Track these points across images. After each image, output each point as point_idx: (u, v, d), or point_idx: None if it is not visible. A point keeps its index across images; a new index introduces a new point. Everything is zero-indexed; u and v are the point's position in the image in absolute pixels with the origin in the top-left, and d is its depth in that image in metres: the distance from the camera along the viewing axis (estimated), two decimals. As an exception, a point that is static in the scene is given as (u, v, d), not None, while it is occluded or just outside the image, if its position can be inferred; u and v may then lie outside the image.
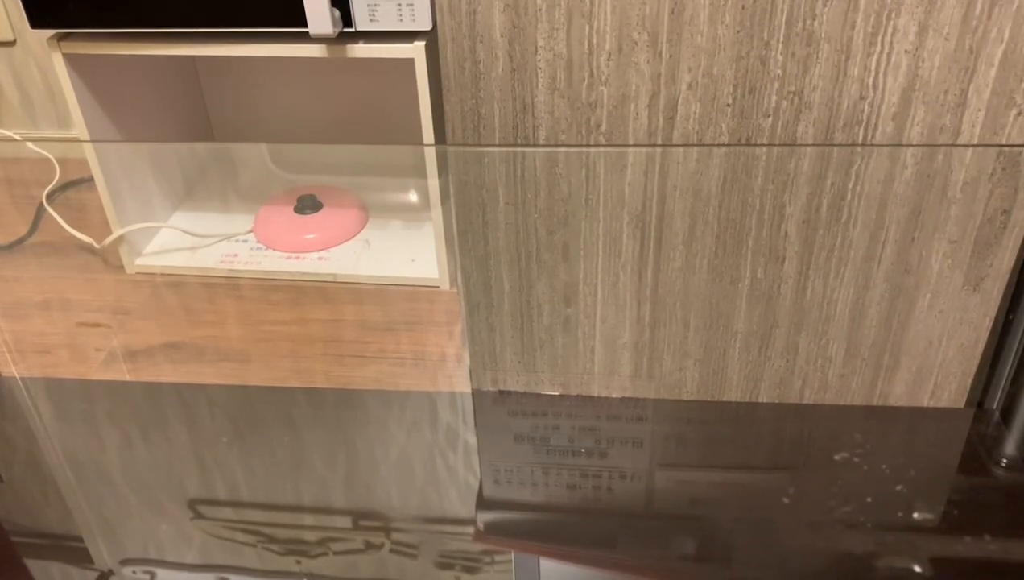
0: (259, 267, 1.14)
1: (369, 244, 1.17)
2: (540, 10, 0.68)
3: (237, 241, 1.19)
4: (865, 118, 0.69)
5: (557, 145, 0.74)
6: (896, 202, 0.72)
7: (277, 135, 1.35)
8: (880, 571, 0.69)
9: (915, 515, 0.73)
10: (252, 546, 0.75)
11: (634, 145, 0.73)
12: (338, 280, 1.13)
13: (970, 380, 0.81)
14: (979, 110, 0.68)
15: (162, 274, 1.15)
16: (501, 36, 0.70)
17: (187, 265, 1.16)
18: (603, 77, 0.70)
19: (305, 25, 0.93)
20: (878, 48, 0.67)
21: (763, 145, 0.72)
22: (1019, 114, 0.68)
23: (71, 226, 1.18)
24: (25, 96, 1.37)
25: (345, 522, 0.77)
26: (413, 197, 1.29)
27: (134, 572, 0.73)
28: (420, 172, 1.23)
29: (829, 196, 0.72)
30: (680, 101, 0.71)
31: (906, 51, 0.66)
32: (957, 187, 0.71)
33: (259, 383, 0.98)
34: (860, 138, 0.70)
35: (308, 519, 0.78)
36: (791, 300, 0.78)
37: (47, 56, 1.27)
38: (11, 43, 1.32)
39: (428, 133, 0.99)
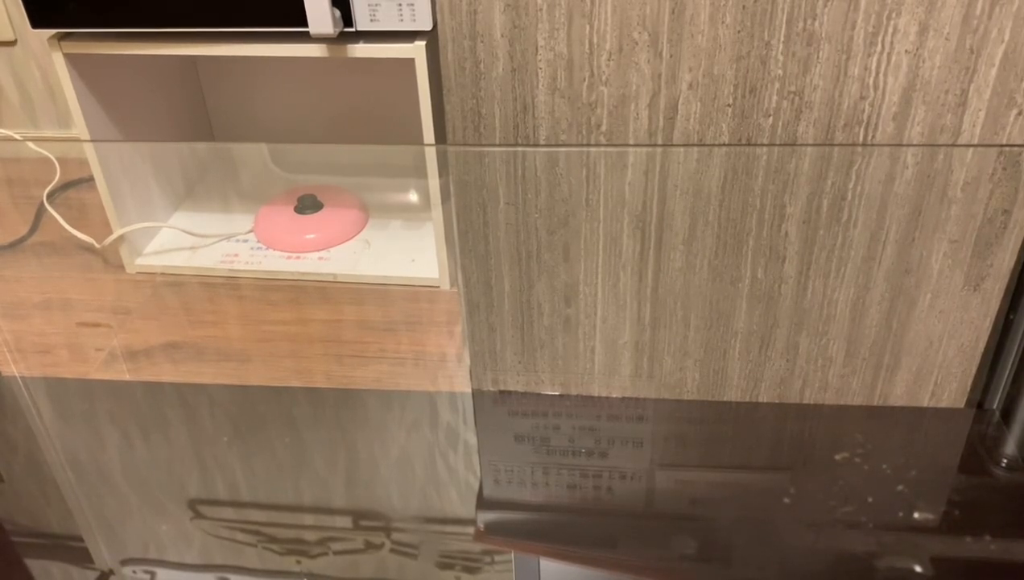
0: (259, 267, 1.14)
1: (369, 244, 1.17)
2: (541, 10, 0.68)
3: (237, 241, 1.19)
4: (866, 118, 0.69)
5: (557, 145, 0.74)
6: (896, 202, 0.72)
7: (277, 135, 1.35)
8: (881, 571, 0.69)
9: (915, 515, 0.73)
10: (252, 546, 0.75)
11: (634, 145, 0.73)
12: (338, 280, 1.13)
13: (970, 380, 0.81)
14: (980, 110, 0.68)
15: (162, 274, 1.15)
16: (502, 36, 0.70)
17: (187, 265, 1.16)
18: (603, 77, 0.70)
19: (305, 25, 0.93)
20: (879, 48, 0.67)
21: (763, 145, 0.72)
22: (1020, 114, 0.68)
23: (71, 226, 1.18)
24: (25, 96, 1.37)
25: (345, 522, 0.77)
26: (413, 197, 1.29)
27: (134, 572, 0.73)
28: (420, 172, 1.23)
29: (829, 196, 0.72)
30: (681, 101, 0.71)
31: (907, 51, 0.66)
32: (957, 187, 0.71)
33: (259, 383, 0.98)
34: (861, 138, 0.70)
35: (308, 519, 0.78)
36: (791, 300, 0.78)
37: (47, 56, 1.27)
38: (11, 43, 1.32)
39: (428, 133, 0.99)
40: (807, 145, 0.71)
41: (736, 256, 0.76)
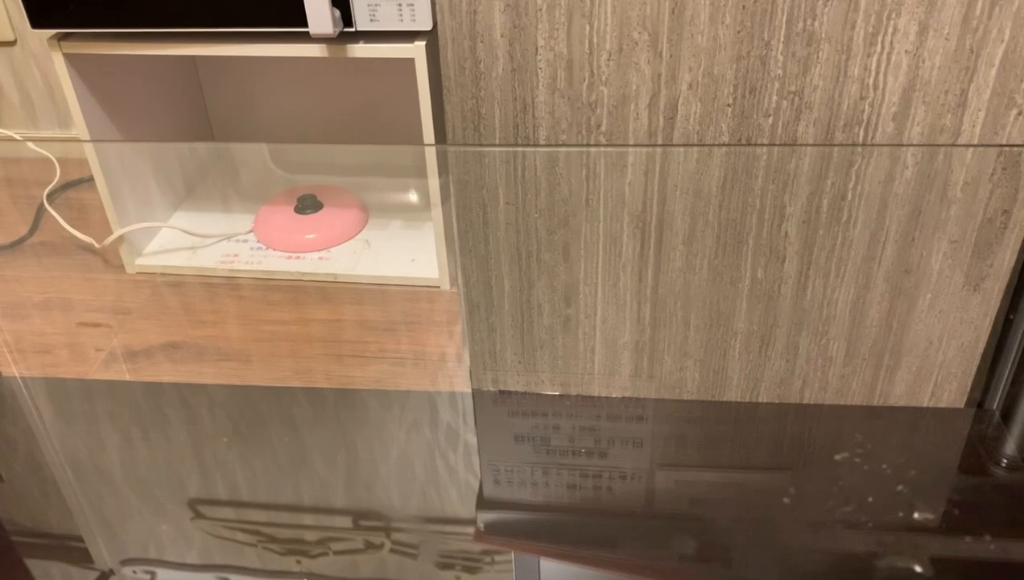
0: (259, 267, 1.14)
1: (369, 244, 1.17)
2: (540, 10, 0.68)
3: (237, 241, 1.19)
4: (865, 118, 0.69)
5: (557, 145, 0.74)
6: (896, 202, 0.72)
7: (277, 135, 1.35)
8: (880, 571, 0.69)
9: (915, 515, 0.73)
10: (252, 546, 0.75)
11: (634, 145, 0.73)
12: (338, 280, 1.13)
13: (970, 380, 0.81)
14: (979, 110, 0.68)
15: (162, 274, 1.15)
16: (501, 36, 0.70)
17: (187, 265, 1.16)
18: (603, 77, 0.70)
19: (305, 25, 0.93)
20: (878, 48, 0.67)
21: (763, 145, 0.72)
22: (1019, 114, 0.68)
23: (71, 226, 1.18)
24: (25, 96, 1.37)
25: (345, 522, 0.77)
26: (413, 197, 1.29)
27: (134, 572, 0.73)
28: (420, 172, 1.23)
29: (829, 196, 0.72)
30: (680, 101, 0.71)
31: (906, 51, 0.66)
32: (957, 187, 0.71)
33: (259, 383, 0.98)
34: (860, 138, 0.70)
35: (308, 519, 0.78)
36: (791, 300, 0.78)
37: (47, 56, 1.27)
38: (11, 43, 1.32)
39: (428, 133, 0.99)
40: (807, 145, 0.71)
41: (736, 256, 0.76)
